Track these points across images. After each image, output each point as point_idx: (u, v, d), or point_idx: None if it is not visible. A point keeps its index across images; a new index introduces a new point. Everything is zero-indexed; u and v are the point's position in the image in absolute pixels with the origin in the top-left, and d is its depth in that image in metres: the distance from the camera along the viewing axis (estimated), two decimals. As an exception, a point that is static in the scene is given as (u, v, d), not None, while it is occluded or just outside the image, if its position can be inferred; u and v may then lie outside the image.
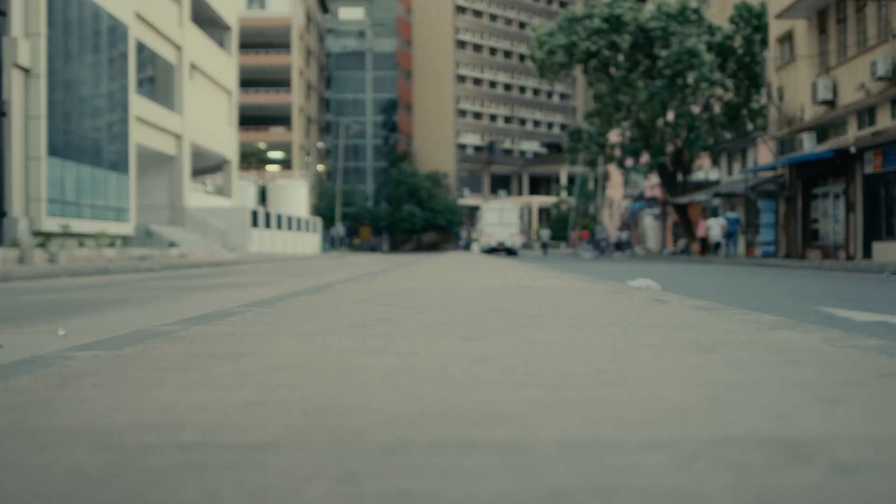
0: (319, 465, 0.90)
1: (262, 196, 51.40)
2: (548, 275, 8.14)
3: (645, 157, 37.57)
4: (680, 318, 2.68)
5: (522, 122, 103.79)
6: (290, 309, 3.30)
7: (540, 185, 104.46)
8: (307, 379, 1.50)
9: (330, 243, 57.62)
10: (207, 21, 38.37)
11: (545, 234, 47.67)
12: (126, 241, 27.56)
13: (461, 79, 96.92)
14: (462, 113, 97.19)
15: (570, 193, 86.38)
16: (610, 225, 58.01)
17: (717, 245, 29.65)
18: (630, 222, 52.47)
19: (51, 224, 22.05)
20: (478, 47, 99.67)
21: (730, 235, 28.75)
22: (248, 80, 65.52)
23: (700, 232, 31.46)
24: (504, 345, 1.99)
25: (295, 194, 51.68)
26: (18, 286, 10.52)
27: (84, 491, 0.82)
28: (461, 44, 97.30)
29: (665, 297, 4.03)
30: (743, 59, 33.38)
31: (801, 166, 26.25)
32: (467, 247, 68.13)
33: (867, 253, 22.39)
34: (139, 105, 29.03)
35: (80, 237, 23.67)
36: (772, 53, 29.10)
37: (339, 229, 58.15)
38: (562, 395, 1.31)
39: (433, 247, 73.70)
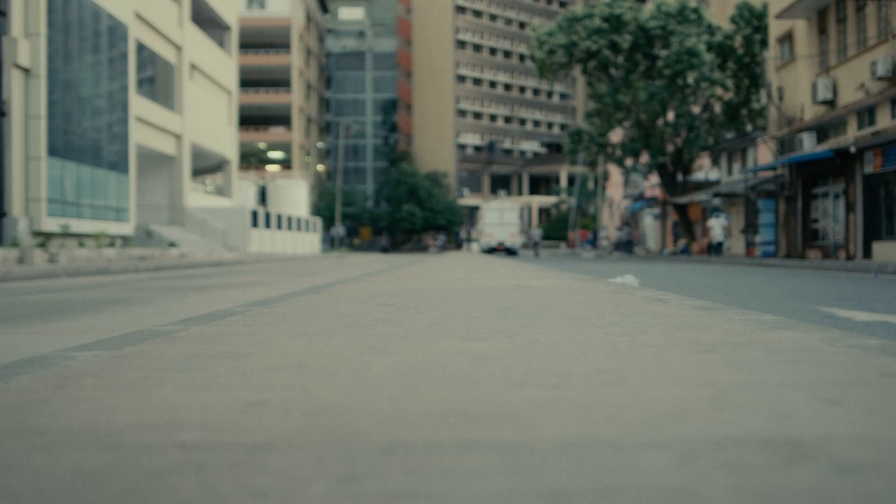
0: (319, 466, 0.90)
1: (262, 196, 51.41)
2: (547, 274, 8.15)
3: (645, 157, 37.59)
4: (680, 318, 2.68)
5: (522, 122, 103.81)
6: (291, 309, 3.30)
7: (540, 185, 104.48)
8: (307, 379, 1.50)
9: (329, 243, 57.59)
10: (207, 21, 38.39)
11: (536, 233, 47.71)
12: (126, 241, 27.57)
13: (461, 79, 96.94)
14: (462, 113, 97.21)
15: (569, 193, 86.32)
16: (610, 225, 58.00)
17: (719, 244, 29.70)
18: (630, 222, 52.47)
19: (51, 224, 22.06)
20: (478, 47, 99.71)
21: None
22: (248, 80, 65.53)
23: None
24: (504, 345, 1.99)
25: (295, 194, 51.71)
26: (18, 286, 10.53)
27: (84, 491, 0.82)
28: (461, 44, 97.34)
29: (665, 297, 4.03)
30: (743, 59, 33.39)
31: (801, 166, 26.27)
32: (444, 246, 64.33)
33: (867, 253, 22.40)
34: (139, 105, 29.03)
35: (80, 237, 23.68)
36: (772, 53, 29.11)
37: (339, 229, 58.14)
38: (562, 395, 1.31)
39: (443, 247, 73.04)
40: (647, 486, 0.82)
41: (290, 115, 67.85)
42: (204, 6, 36.63)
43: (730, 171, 36.58)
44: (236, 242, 36.35)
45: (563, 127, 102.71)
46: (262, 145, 71.42)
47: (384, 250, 67.40)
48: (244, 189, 46.95)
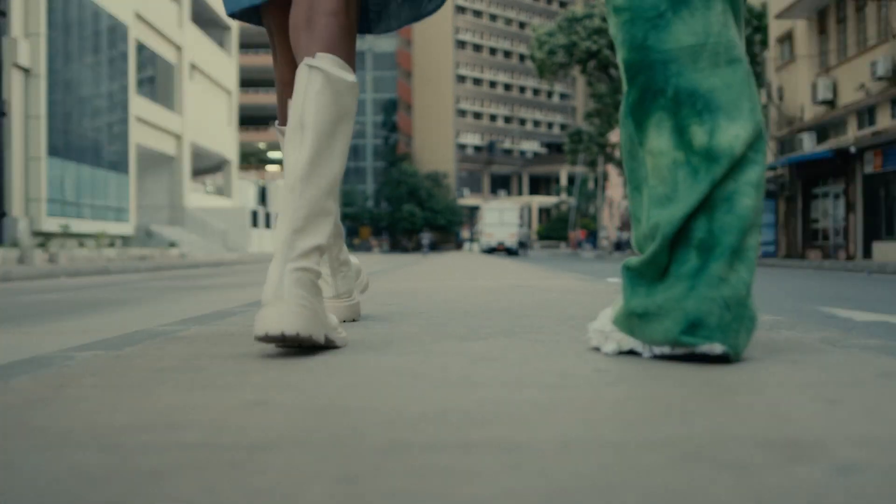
0: (320, 466, 0.90)
1: (262, 196, 51.38)
2: (547, 274, 8.16)
3: (645, 158, 37.62)
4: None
5: (522, 122, 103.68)
6: (290, 309, 3.30)
7: (540, 185, 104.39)
8: (307, 379, 1.51)
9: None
10: (207, 21, 38.36)
11: (522, 232, 47.52)
12: (126, 241, 27.55)
13: (461, 79, 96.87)
14: (462, 113, 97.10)
15: (569, 193, 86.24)
16: (610, 225, 57.95)
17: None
18: (630, 222, 52.54)
19: (51, 224, 22.03)
20: (478, 47, 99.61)
21: None
22: (248, 80, 65.47)
23: None
24: (504, 345, 2.00)
25: (295, 194, 51.54)
26: (18, 286, 10.54)
27: (84, 491, 0.82)
28: (461, 44, 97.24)
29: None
30: (743, 59, 33.39)
31: (801, 166, 26.24)
32: (432, 247, 60.80)
33: (867, 253, 22.38)
34: (139, 105, 29.00)
35: (80, 237, 23.67)
36: (772, 53, 29.07)
37: (339, 229, 57.98)
38: (562, 395, 1.31)
39: (433, 247, 72.89)
40: (648, 485, 0.82)
41: (290, 115, 67.66)
42: (204, 6, 36.60)
43: (730, 171, 36.51)
44: (236, 242, 36.32)
45: (563, 127, 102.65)
46: (262, 145, 71.34)
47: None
48: (244, 189, 46.91)
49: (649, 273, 1.69)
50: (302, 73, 1.96)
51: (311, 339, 1.79)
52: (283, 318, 1.73)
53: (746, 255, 1.62)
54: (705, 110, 1.65)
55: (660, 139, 1.69)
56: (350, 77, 2.00)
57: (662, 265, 1.67)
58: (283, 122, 2.37)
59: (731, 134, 1.64)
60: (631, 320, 1.72)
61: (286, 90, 2.35)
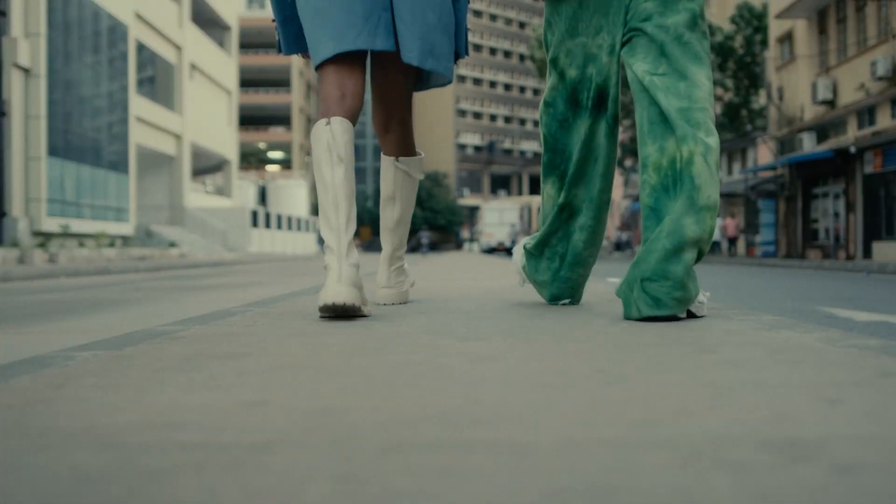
0: (320, 465, 0.90)
1: (262, 196, 51.37)
2: (548, 275, 8.13)
3: (645, 157, 37.59)
4: (679, 318, 2.68)
5: (522, 122, 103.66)
6: (290, 309, 3.30)
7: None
8: (307, 379, 1.51)
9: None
10: (207, 21, 38.35)
11: (514, 231, 47.33)
12: (126, 241, 27.55)
13: (461, 79, 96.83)
14: (462, 113, 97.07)
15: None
16: (610, 225, 57.97)
17: (716, 244, 29.65)
18: (630, 222, 52.48)
19: (51, 224, 22.02)
20: (478, 47, 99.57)
21: None
22: (248, 80, 65.42)
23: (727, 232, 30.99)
24: (504, 345, 2.00)
25: (295, 194, 51.63)
26: (18, 286, 10.54)
27: (84, 491, 0.82)
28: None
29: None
30: (743, 59, 33.39)
31: (801, 166, 26.24)
32: (432, 247, 57.73)
33: (867, 253, 22.38)
34: (139, 105, 28.99)
35: (80, 237, 23.66)
36: (772, 53, 29.06)
37: (340, 229, 57.88)
38: (562, 395, 1.31)
39: (432, 247, 72.57)
40: (647, 486, 0.82)
41: (290, 115, 67.78)
42: (204, 6, 36.61)
43: (730, 171, 36.56)
44: (236, 242, 36.30)
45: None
46: (262, 145, 71.27)
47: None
48: (244, 189, 46.89)
49: (534, 255, 3.22)
50: (388, 166, 3.34)
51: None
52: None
53: (584, 262, 3.15)
54: (568, 181, 3.01)
55: (547, 188, 3.13)
56: (417, 158, 3.37)
57: (540, 253, 3.19)
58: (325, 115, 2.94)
59: (572, 194, 3.02)
60: (528, 273, 3.28)
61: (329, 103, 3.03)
